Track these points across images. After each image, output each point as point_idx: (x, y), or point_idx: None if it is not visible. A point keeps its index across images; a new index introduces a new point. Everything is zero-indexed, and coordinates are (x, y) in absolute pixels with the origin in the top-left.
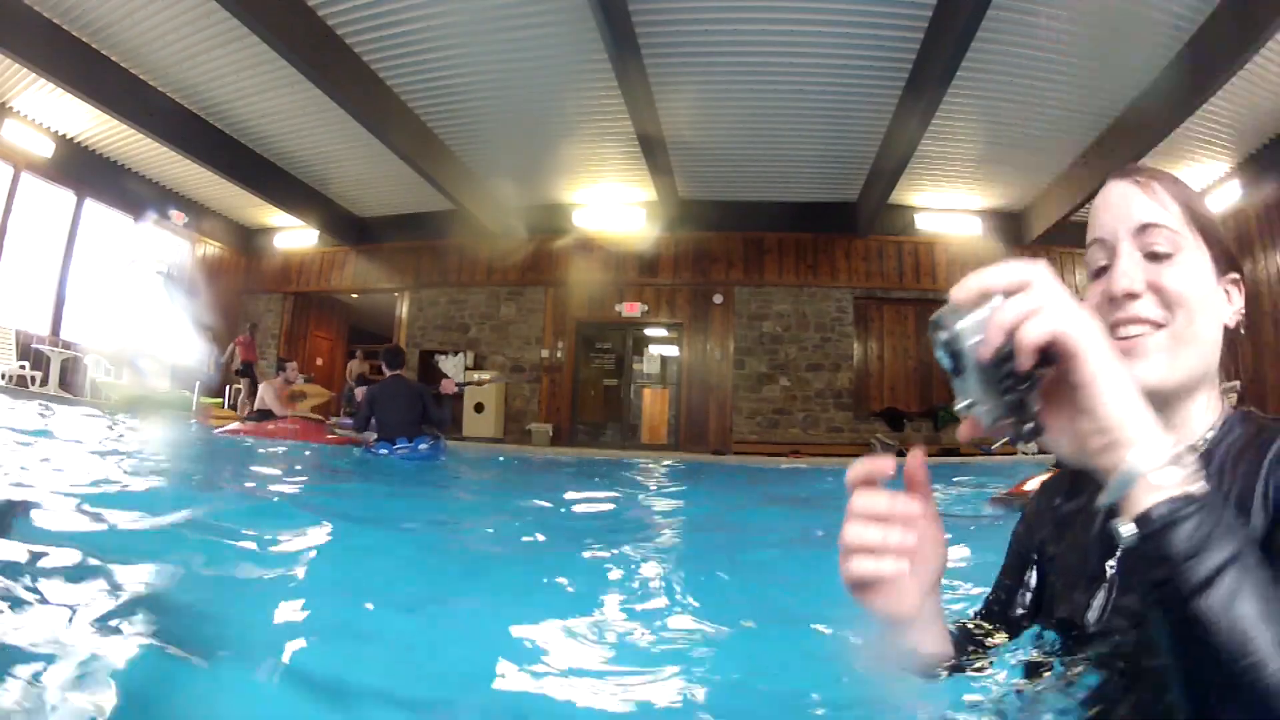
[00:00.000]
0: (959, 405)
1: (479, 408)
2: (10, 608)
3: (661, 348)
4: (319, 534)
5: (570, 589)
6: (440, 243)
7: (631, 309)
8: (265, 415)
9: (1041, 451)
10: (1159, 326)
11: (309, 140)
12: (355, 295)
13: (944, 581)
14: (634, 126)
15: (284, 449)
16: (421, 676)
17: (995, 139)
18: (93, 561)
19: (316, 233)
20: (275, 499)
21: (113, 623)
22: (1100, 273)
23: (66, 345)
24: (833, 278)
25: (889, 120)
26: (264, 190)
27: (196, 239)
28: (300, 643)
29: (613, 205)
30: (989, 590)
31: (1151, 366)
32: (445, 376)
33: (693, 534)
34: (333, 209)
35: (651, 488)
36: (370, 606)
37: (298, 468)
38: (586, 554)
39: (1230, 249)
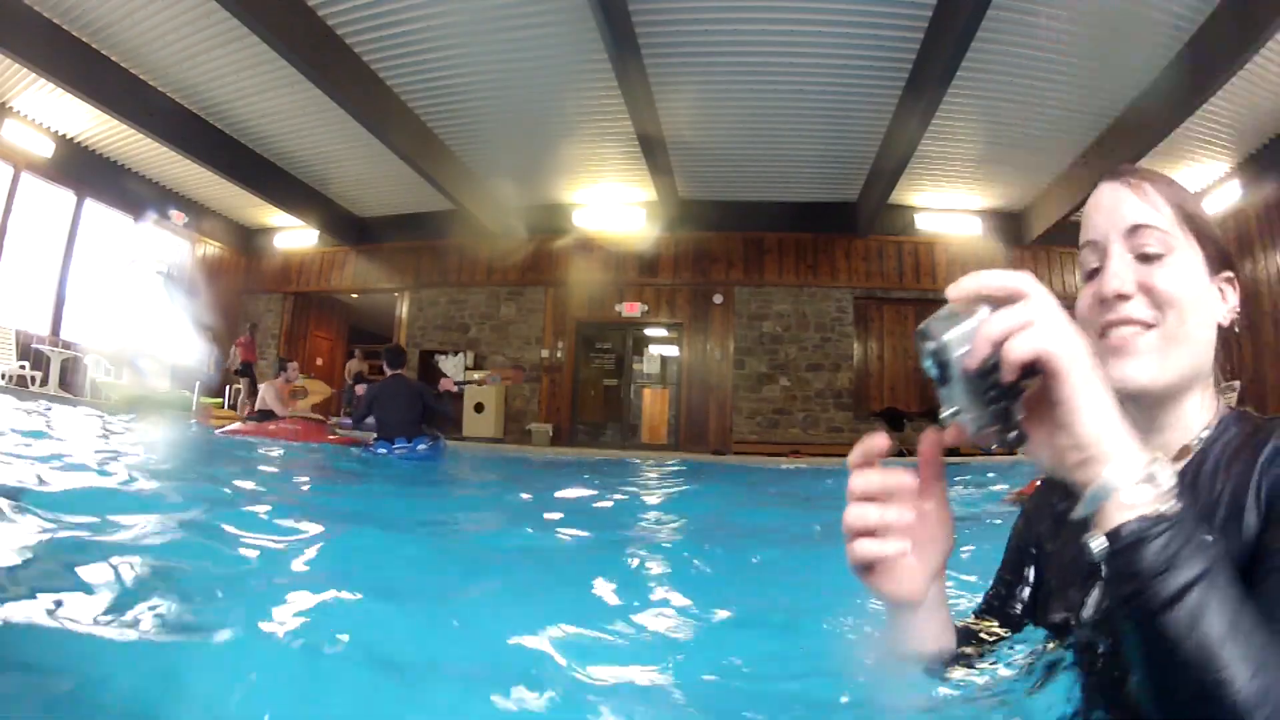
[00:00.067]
0: (944, 413)
1: (479, 408)
2: (11, 608)
3: (661, 348)
4: (319, 533)
5: (570, 588)
6: (440, 243)
7: (631, 309)
8: (267, 415)
9: None
10: (1150, 327)
11: (309, 140)
12: (355, 295)
13: (947, 585)
14: (634, 126)
15: (285, 449)
16: (421, 674)
17: (995, 139)
18: (92, 560)
19: (316, 233)
20: (276, 499)
21: (112, 620)
22: (1093, 274)
23: (66, 345)
24: (833, 278)
25: (889, 120)
26: (264, 190)
27: (196, 239)
28: (299, 641)
29: (613, 205)
30: (989, 586)
31: (1142, 366)
32: (445, 376)
33: (692, 532)
34: (333, 209)
35: (651, 487)
36: (370, 606)
37: (299, 468)
38: (585, 553)
39: (1225, 248)
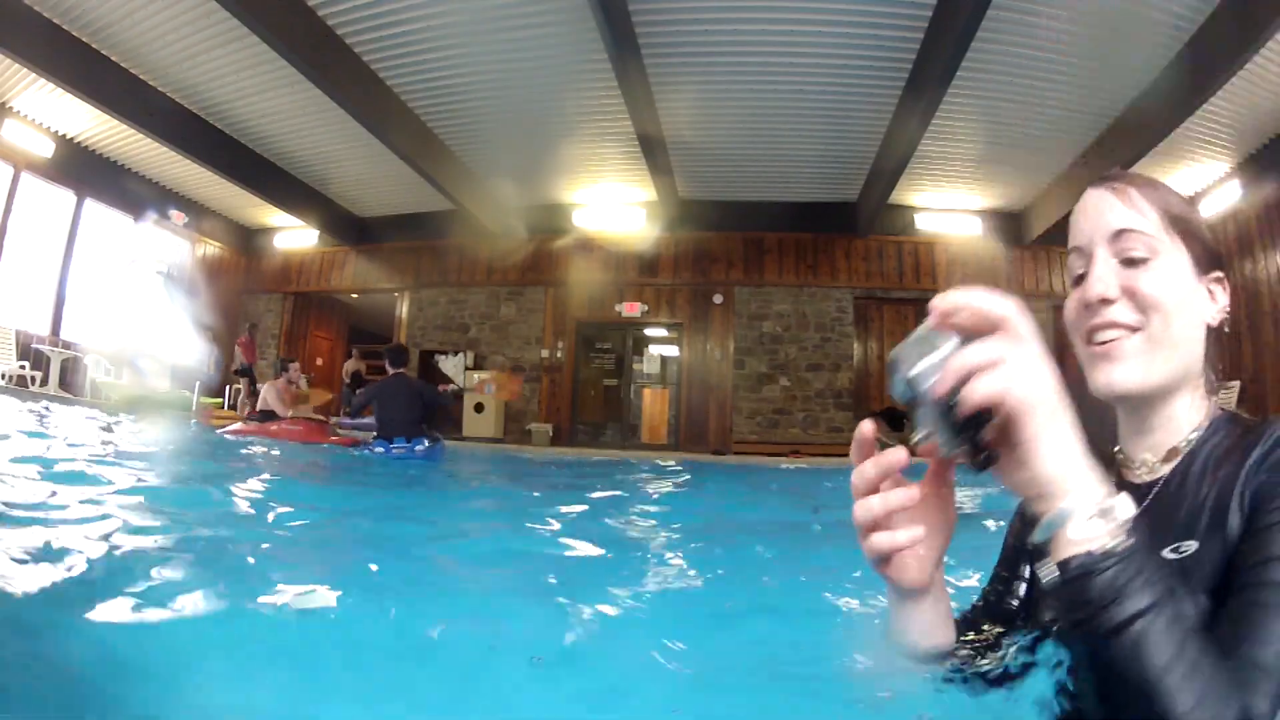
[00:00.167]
0: (917, 435)
1: (479, 408)
2: (12, 605)
3: (661, 348)
4: (320, 533)
5: (569, 587)
6: (440, 243)
7: (631, 309)
8: (268, 416)
9: None
10: (1135, 330)
11: (309, 140)
12: (355, 295)
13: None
14: (634, 126)
15: (287, 449)
16: (418, 674)
17: (995, 139)
18: (93, 560)
19: (316, 233)
20: (276, 498)
21: (110, 618)
22: (1080, 280)
23: (66, 345)
24: (833, 278)
25: (889, 120)
26: (264, 190)
27: (196, 239)
28: (297, 640)
29: (613, 205)
30: (986, 583)
31: (1127, 371)
32: (446, 377)
33: (691, 531)
34: (333, 209)
35: (651, 487)
36: (370, 605)
37: (300, 468)
38: (584, 553)
39: (1214, 249)
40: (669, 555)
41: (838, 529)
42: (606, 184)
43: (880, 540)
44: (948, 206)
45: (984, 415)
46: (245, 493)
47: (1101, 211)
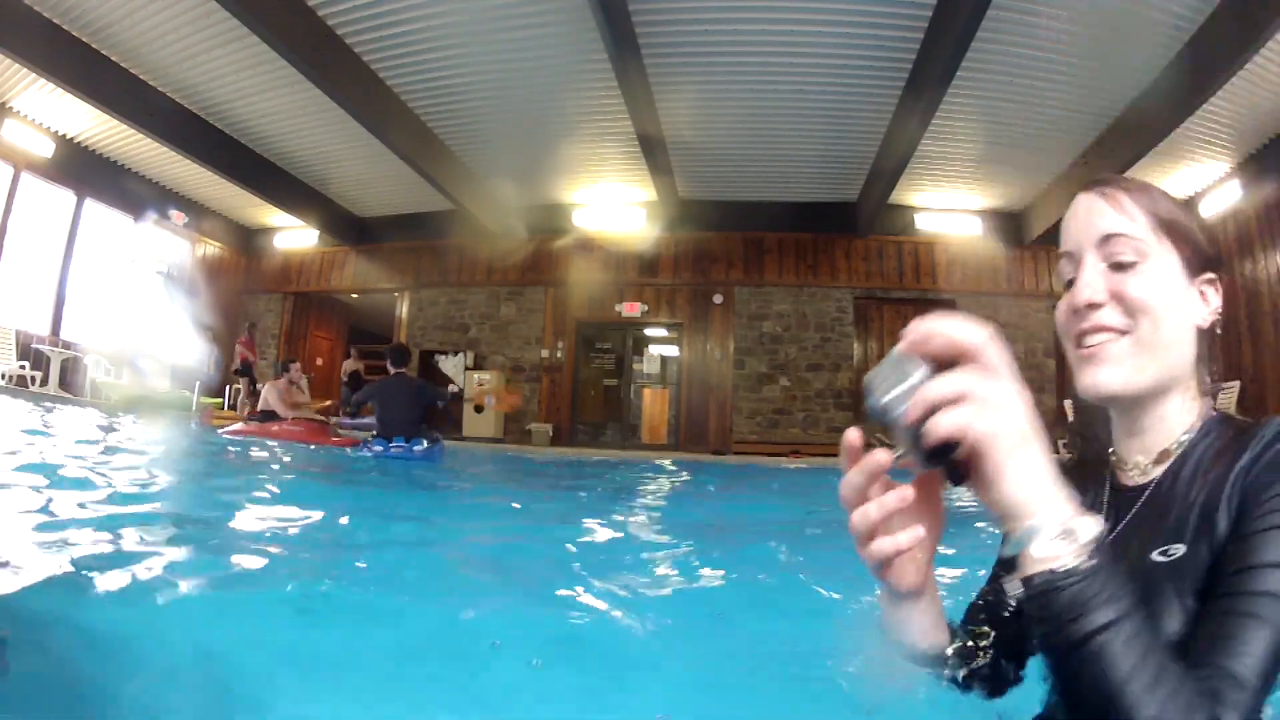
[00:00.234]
0: (895, 454)
1: (479, 408)
2: (13, 605)
3: (661, 348)
4: (321, 534)
5: (568, 588)
6: (440, 243)
7: (631, 309)
8: (269, 416)
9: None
10: (1123, 334)
11: (309, 140)
12: (355, 295)
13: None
14: (634, 126)
15: (288, 450)
16: (417, 673)
17: (995, 139)
18: (91, 561)
19: (316, 233)
20: (278, 500)
21: (109, 619)
22: (1071, 285)
23: (66, 345)
24: (833, 278)
25: (889, 120)
26: (264, 190)
27: (196, 239)
28: (298, 642)
29: (613, 205)
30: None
31: (1112, 373)
32: (447, 378)
33: (690, 531)
34: (333, 209)
35: (651, 487)
36: (370, 606)
37: (301, 469)
38: (584, 553)
39: (1206, 250)
40: (669, 556)
41: (836, 529)
42: (606, 184)
43: (883, 545)
44: (948, 206)
45: (951, 444)
46: (246, 493)
47: (1090, 217)
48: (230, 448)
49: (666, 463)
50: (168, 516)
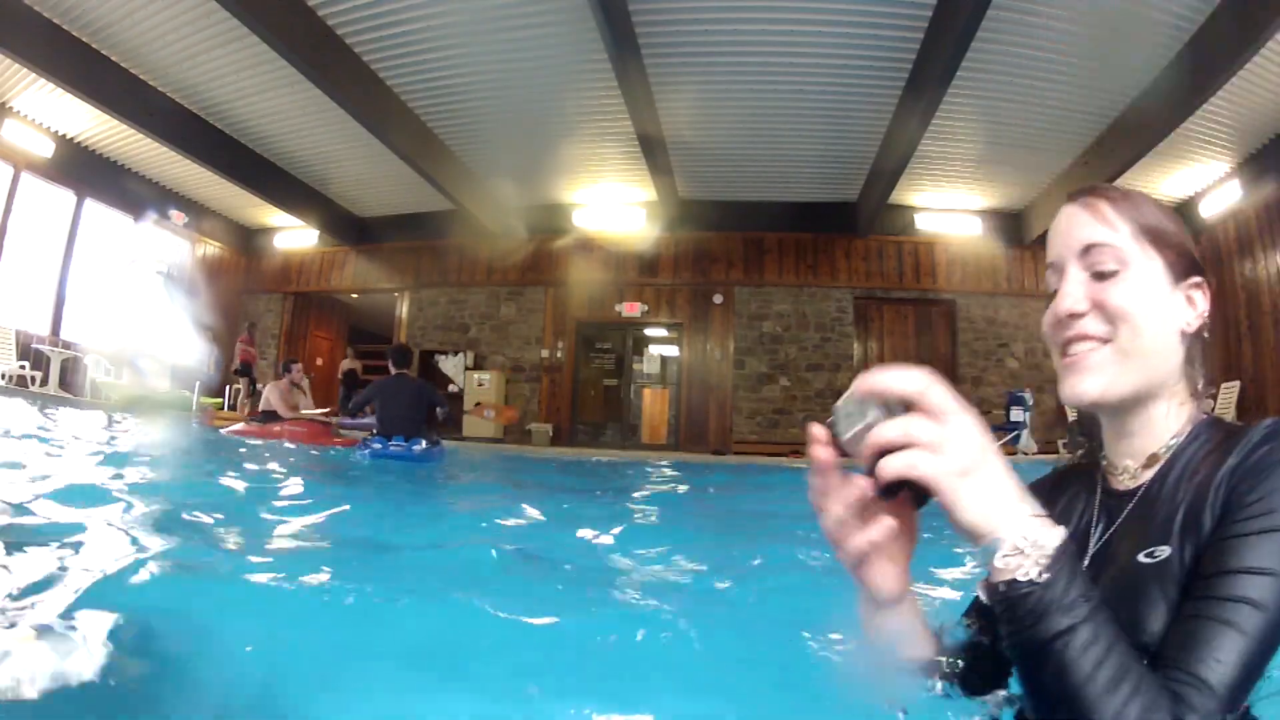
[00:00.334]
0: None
1: (478, 406)
2: (15, 605)
3: (661, 348)
4: (321, 535)
5: (568, 588)
6: (440, 243)
7: (631, 309)
8: (270, 416)
9: (1041, 452)
10: (1106, 342)
11: (309, 140)
12: (355, 295)
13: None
14: (634, 126)
15: (290, 451)
16: (419, 675)
17: (995, 139)
18: (90, 562)
19: (316, 233)
20: (280, 501)
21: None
22: (1056, 295)
23: (66, 345)
24: (833, 278)
25: (889, 120)
26: (264, 190)
27: (196, 239)
28: (295, 640)
29: (613, 205)
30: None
31: (1093, 382)
32: (448, 378)
33: (690, 531)
34: (333, 209)
35: (651, 487)
36: (370, 604)
37: (303, 470)
38: (583, 553)
39: (1192, 255)
40: (669, 556)
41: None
42: (606, 184)
43: (858, 540)
44: (948, 206)
45: (901, 481)
46: (248, 494)
47: (1072, 227)
48: (232, 448)
49: (666, 463)
50: (171, 517)
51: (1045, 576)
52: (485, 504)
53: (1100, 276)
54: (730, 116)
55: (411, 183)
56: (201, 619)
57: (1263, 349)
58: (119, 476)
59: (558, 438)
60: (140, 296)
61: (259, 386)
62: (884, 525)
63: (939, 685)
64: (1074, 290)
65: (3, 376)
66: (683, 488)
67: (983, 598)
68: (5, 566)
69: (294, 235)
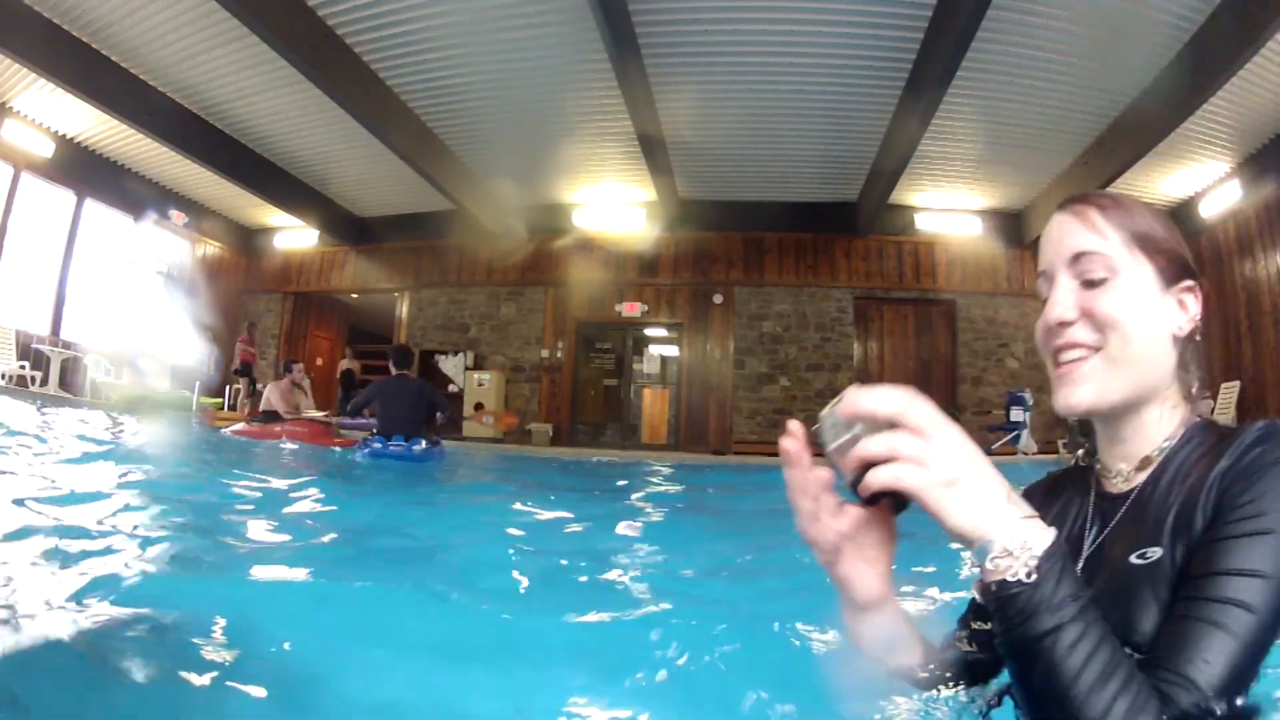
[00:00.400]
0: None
1: (479, 407)
2: (14, 606)
3: (661, 348)
4: (323, 535)
5: (569, 587)
6: (440, 243)
7: (631, 309)
8: (272, 416)
9: (1041, 452)
10: (1096, 350)
11: (309, 140)
12: (355, 295)
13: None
14: (634, 126)
15: (291, 451)
16: (415, 673)
17: (995, 139)
18: (89, 564)
19: (316, 233)
20: (281, 502)
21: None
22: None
23: (66, 345)
24: (833, 278)
25: (889, 120)
26: (264, 190)
27: (196, 239)
28: (294, 640)
29: (613, 205)
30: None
31: (1084, 392)
32: (448, 378)
33: (690, 531)
34: (333, 209)
35: (651, 488)
36: (370, 603)
37: (305, 470)
38: (583, 553)
39: (1183, 259)
40: (668, 555)
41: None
42: (606, 184)
43: (827, 533)
44: (948, 206)
45: (885, 491)
46: (250, 495)
47: (1062, 235)
48: (233, 448)
49: (666, 463)
50: (173, 516)
51: (1033, 577)
52: (485, 504)
53: (1090, 284)
54: (730, 116)
55: (411, 183)
56: (202, 618)
57: (1263, 349)
58: (120, 477)
59: (558, 438)
60: (140, 296)
61: (259, 387)
62: (851, 516)
63: (925, 692)
64: (1063, 299)
65: (3, 376)
66: (682, 487)
67: (977, 598)
68: (9, 567)
69: (294, 235)
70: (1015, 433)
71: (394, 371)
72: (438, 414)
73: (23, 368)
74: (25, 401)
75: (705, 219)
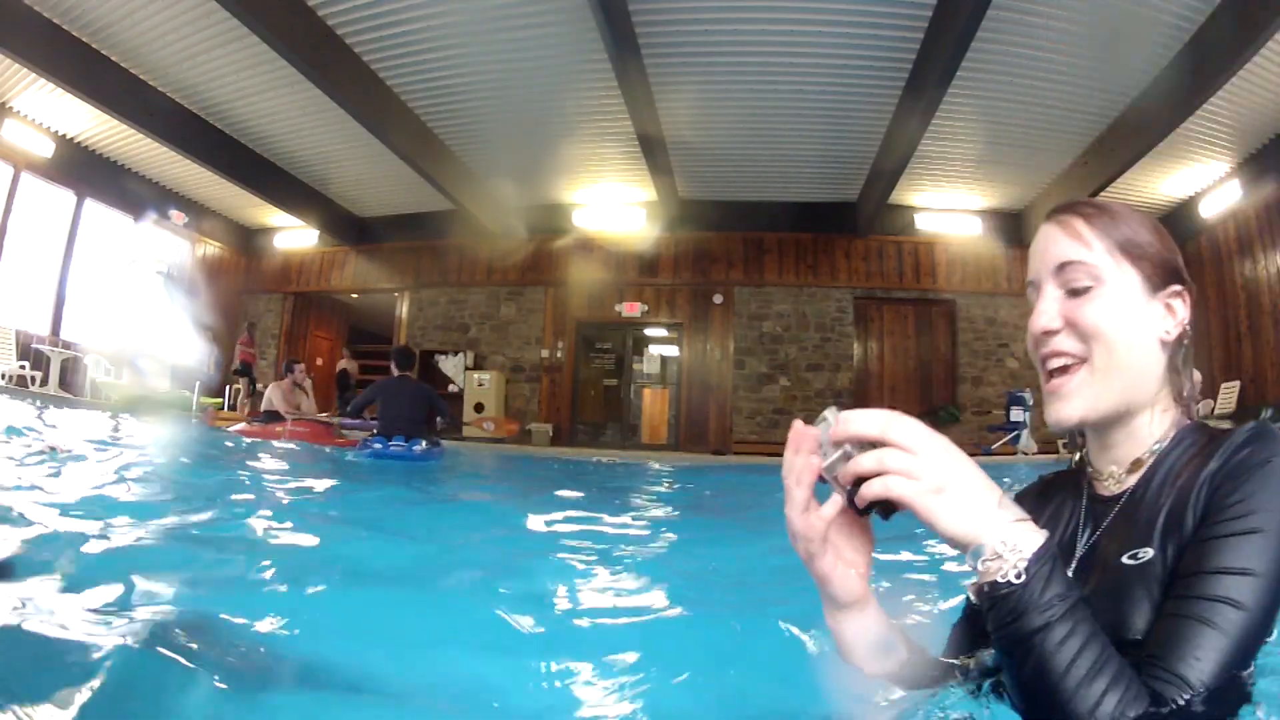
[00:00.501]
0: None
1: (479, 408)
2: (13, 607)
3: (661, 348)
4: (324, 535)
5: (568, 588)
6: (440, 243)
7: (631, 309)
8: (273, 416)
9: (1041, 452)
10: (1081, 359)
11: (309, 140)
12: (355, 295)
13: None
14: (634, 126)
15: (291, 450)
16: (411, 676)
17: (995, 139)
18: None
19: (316, 233)
20: (283, 501)
21: (108, 622)
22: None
23: (66, 345)
24: (833, 278)
25: (889, 120)
26: (264, 190)
27: (196, 239)
28: (293, 645)
29: (613, 205)
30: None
31: (1075, 406)
32: (448, 378)
33: (691, 530)
34: (333, 209)
35: (651, 487)
36: (367, 604)
37: (306, 469)
38: (583, 553)
39: (1171, 264)
40: (668, 555)
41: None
42: (606, 184)
43: (815, 522)
44: (948, 206)
45: (877, 502)
46: (252, 495)
47: (1048, 246)
48: (235, 448)
49: (667, 463)
50: (174, 516)
51: (1022, 578)
52: (484, 503)
53: (1074, 294)
54: (730, 116)
55: (411, 183)
56: (202, 618)
57: (1263, 349)
58: (121, 477)
59: (558, 438)
60: (140, 296)
61: (259, 387)
62: (834, 502)
63: (914, 691)
64: (1048, 308)
65: (3, 376)
66: (682, 487)
67: (972, 599)
68: (13, 567)
69: (294, 235)
70: (1015, 433)
71: (396, 372)
72: (438, 417)
73: (23, 368)
74: (25, 401)
75: (705, 219)
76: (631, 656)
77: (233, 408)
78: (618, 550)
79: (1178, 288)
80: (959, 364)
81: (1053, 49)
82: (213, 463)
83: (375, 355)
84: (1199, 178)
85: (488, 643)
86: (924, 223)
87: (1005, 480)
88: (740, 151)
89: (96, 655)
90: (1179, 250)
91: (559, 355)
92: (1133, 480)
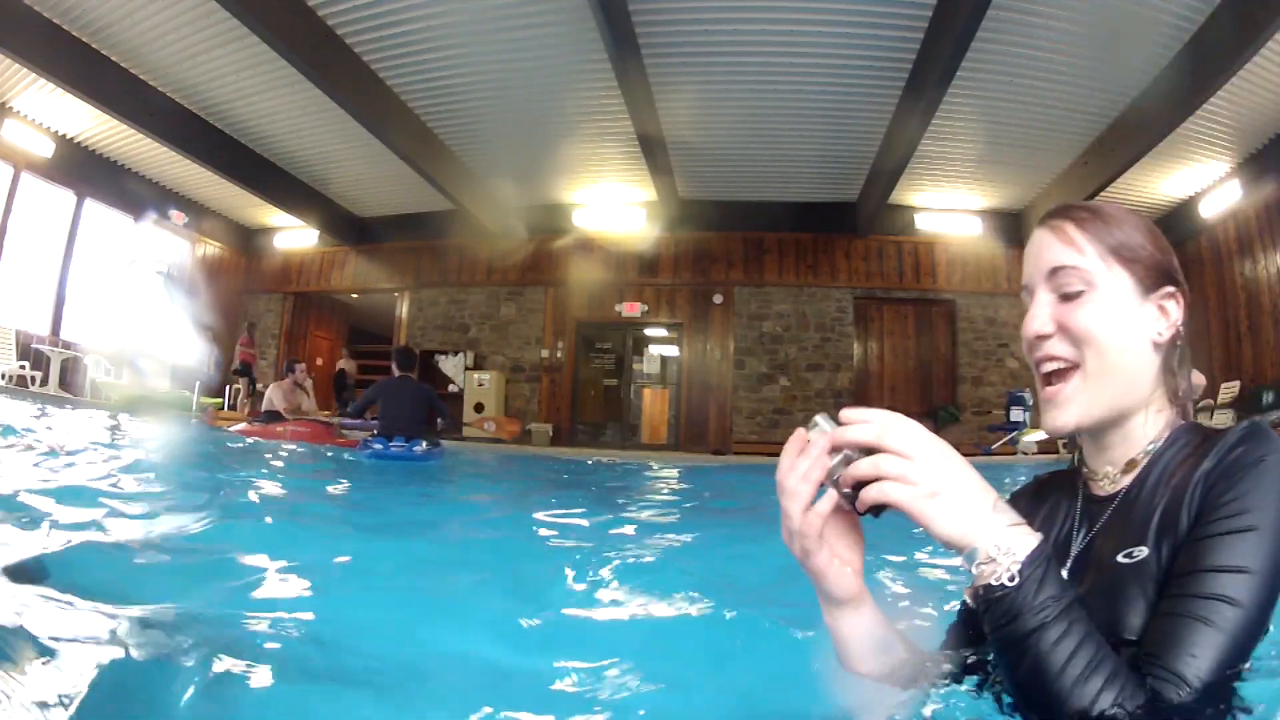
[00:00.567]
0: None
1: (479, 408)
2: (13, 608)
3: (661, 348)
4: (324, 535)
5: (568, 588)
6: (440, 243)
7: (631, 309)
8: (274, 416)
9: (1041, 452)
10: (1074, 364)
11: (309, 140)
12: (355, 295)
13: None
14: (634, 126)
15: (293, 451)
16: (411, 676)
17: (995, 139)
18: (95, 563)
19: (316, 233)
20: (283, 501)
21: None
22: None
23: (66, 345)
24: (833, 278)
25: (889, 120)
26: (264, 190)
27: (196, 239)
28: (296, 645)
29: (613, 205)
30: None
31: (1070, 413)
32: (448, 379)
33: (691, 532)
34: (333, 209)
35: (652, 488)
36: (367, 604)
37: (307, 470)
38: (582, 554)
39: (1164, 266)
40: (668, 554)
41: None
42: (606, 184)
43: (811, 517)
44: (948, 206)
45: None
46: (252, 495)
47: (1040, 251)
48: (236, 448)
49: (667, 464)
50: (175, 516)
51: (1016, 580)
52: (484, 503)
53: (1066, 298)
54: (730, 116)
55: (411, 183)
56: (204, 617)
57: (1263, 349)
58: (121, 477)
59: (558, 438)
60: (140, 296)
61: (259, 387)
62: (829, 498)
63: (911, 690)
64: (1040, 313)
65: (3, 376)
66: (682, 487)
67: (969, 601)
68: (17, 567)
69: (294, 235)
70: (1015, 433)
71: (397, 373)
72: (439, 418)
73: (23, 368)
74: (25, 401)
75: (705, 219)
76: (631, 656)
77: (233, 407)
78: (617, 550)
79: (1170, 289)
80: (959, 364)
81: (1053, 49)
82: (213, 463)
83: (375, 355)
84: (1199, 178)
85: (487, 643)
86: (924, 223)
87: (1005, 481)
88: (740, 151)
89: (96, 655)
90: (1174, 251)
91: (559, 355)
92: (1127, 480)
